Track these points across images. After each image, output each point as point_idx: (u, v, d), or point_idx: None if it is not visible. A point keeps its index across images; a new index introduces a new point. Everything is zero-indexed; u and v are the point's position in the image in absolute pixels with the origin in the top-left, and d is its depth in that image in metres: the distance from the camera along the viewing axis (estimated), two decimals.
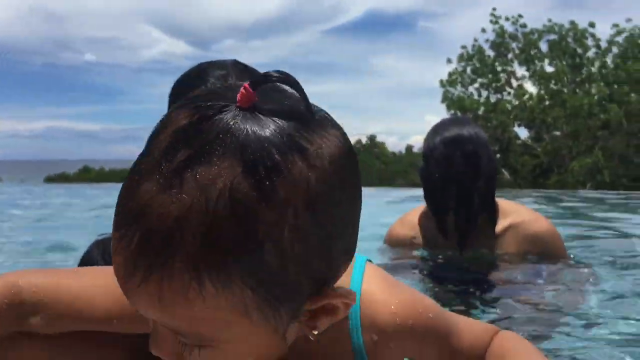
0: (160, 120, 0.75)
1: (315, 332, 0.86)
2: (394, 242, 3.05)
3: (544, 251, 2.75)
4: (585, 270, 2.79)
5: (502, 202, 2.88)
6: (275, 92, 0.78)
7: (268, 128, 0.71)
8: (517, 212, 2.85)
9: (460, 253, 2.79)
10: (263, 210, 0.68)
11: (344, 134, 0.82)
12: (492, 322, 2.10)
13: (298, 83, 0.77)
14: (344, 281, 0.92)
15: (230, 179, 0.67)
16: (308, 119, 0.77)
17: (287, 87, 0.77)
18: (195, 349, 0.79)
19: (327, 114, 0.82)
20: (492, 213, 2.82)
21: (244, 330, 0.77)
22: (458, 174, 2.74)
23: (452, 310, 1.34)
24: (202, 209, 0.65)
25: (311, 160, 0.73)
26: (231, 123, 0.70)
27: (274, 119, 0.73)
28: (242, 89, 0.73)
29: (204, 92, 0.72)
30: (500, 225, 2.82)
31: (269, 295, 0.75)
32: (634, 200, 13.83)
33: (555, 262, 2.73)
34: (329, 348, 0.97)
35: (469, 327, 1.13)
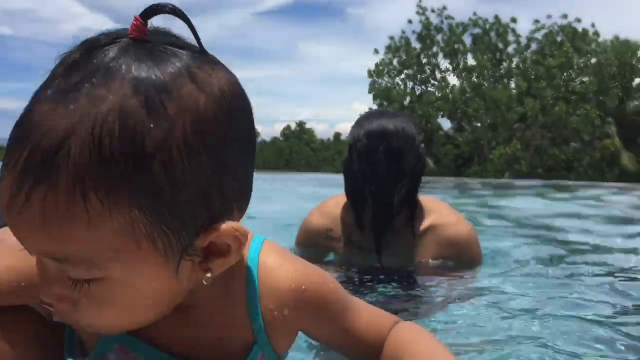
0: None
1: (209, 276, 0.83)
2: (309, 233, 2.82)
3: (460, 256, 2.67)
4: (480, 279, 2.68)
5: (426, 200, 2.73)
6: (169, 35, 0.78)
7: (159, 55, 0.72)
8: (439, 212, 2.72)
9: (376, 251, 2.66)
10: (151, 126, 0.67)
11: (236, 79, 0.80)
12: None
13: (189, 20, 0.77)
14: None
15: (120, 96, 0.66)
16: (199, 53, 0.78)
17: (179, 37, 0.78)
18: (85, 286, 0.73)
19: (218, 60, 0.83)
20: (413, 212, 2.66)
21: (133, 260, 0.73)
22: (379, 170, 2.58)
23: None
24: (91, 123, 0.64)
25: (200, 85, 0.73)
26: (122, 50, 0.70)
27: (166, 47, 0.74)
28: (133, 21, 0.72)
29: (98, 32, 0.73)
30: (420, 225, 2.66)
31: (159, 220, 0.71)
32: (545, 187, 14.80)
33: (465, 271, 2.66)
34: (228, 316, 0.94)
35: (369, 311, 1.09)
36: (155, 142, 0.67)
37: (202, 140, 0.72)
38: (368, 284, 2.50)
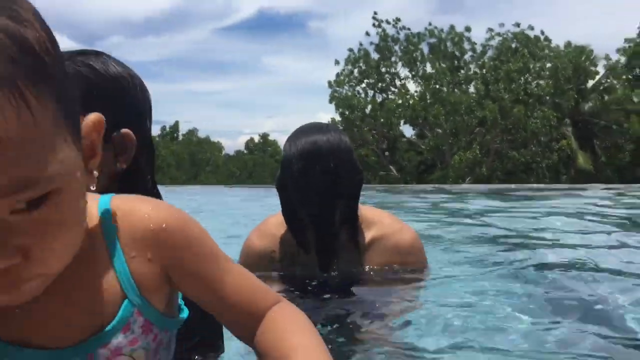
0: None
1: (96, 175, 0.85)
2: (252, 257, 2.66)
3: (405, 262, 2.64)
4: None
5: (366, 211, 2.66)
6: None
7: None
8: (381, 222, 2.66)
9: (323, 271, 2.58)
10: (34, 32, 0.70)
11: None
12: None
13: None
14: (91, 206, 0.86)
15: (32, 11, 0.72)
16: None
17: None
18: (36, 212, 0.70)
19: None
20: (354, 228, 2.59)
21: (66, 159, 0.72)
22: (315, 194, 2.48)
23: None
24: (13, 34, 0.67)
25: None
26: None
27: None
28: None
29: None
30: (365, 239, 2.61)
31: (67, 112, 0.73)
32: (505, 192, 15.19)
33: (412, 277, 2.64)
34: (95, 278, 0.89)
35: (250, 282, 1.00)
36: (40, 42, 0.71)
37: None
38: (313, 293, 2.47)
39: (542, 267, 3.28)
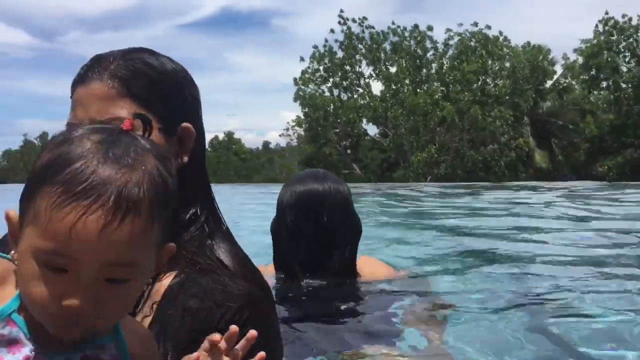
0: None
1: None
2: None
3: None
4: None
5: (362, 263, 2.69)
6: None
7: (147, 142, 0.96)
8: (373, 274, 2.72)
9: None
10: (168, 181, 0.94)
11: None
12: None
13: None
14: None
15: (152, 164, 0.92)
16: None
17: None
18: (116, 286, 0.89)
19: None
20: (352, 277, 2.61)
21: (152, 261, 0.94)
22: (307, 243, 2.50)
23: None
24: (147, 178, 0.89)
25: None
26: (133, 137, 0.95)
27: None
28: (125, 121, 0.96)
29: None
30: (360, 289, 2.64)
31: (165, 234, 0.95)
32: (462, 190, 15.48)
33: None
34: None
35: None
36: (170, 189, 0.95)
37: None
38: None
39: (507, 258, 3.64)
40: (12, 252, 0.94)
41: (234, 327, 0.98)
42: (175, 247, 1.00)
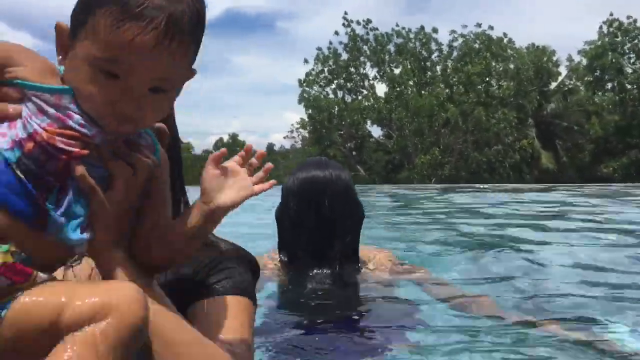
0: None
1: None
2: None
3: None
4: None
5: (363, 252, 2.73)
6: None
7: None
8: (377, 262, 2.75)
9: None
10: (201, 14, 1.08)
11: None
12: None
13: None
14: None
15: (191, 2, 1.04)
16: None
17: None
18: (157, 95, 1.05)
19: None
20: (355, 265, 2.64)
21: (183, 79, 1.11)
22: (309, 230, 2.54)
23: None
24: (188, 9, 1.03)
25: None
26: None
27: None
28: None
29: None
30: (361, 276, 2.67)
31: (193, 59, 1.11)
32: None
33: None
34: None
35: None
36: (202, 19, 1.08)
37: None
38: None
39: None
40: (59, 58, 1.08)
41: (248, 145, 1.17)
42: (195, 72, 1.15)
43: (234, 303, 1.31)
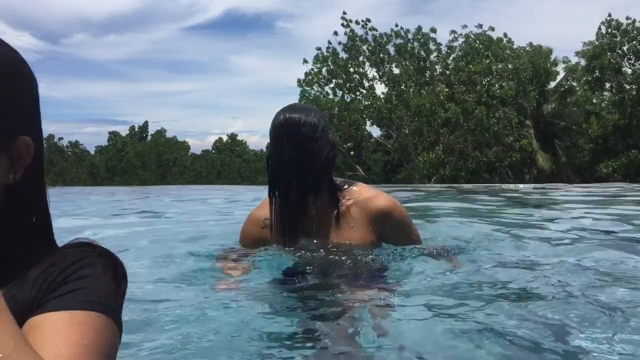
0: None
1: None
2: (250, 222, 3.03)
3: (387, 221, 2.86)
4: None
5: (348, 184, 2.93)
6: None
7: None
8: (359, 191, 2.88)
9: (287, 240, 2.83)
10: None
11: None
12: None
13: None
14: None
15: None
16: None
17: None
18: None
19: None
20: (333, 197, 2.83)
21: None
22: (284, 160, 2.73)
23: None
24: None
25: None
26: None
27: None
28: None
29: None
30: (342, 207, 2.84)
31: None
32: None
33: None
34: None
35: None
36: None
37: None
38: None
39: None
40: None
41: None
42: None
43: (71, 319, 0.93)
